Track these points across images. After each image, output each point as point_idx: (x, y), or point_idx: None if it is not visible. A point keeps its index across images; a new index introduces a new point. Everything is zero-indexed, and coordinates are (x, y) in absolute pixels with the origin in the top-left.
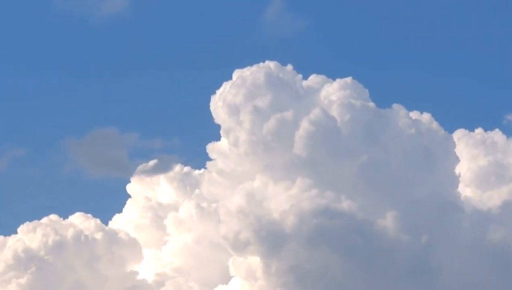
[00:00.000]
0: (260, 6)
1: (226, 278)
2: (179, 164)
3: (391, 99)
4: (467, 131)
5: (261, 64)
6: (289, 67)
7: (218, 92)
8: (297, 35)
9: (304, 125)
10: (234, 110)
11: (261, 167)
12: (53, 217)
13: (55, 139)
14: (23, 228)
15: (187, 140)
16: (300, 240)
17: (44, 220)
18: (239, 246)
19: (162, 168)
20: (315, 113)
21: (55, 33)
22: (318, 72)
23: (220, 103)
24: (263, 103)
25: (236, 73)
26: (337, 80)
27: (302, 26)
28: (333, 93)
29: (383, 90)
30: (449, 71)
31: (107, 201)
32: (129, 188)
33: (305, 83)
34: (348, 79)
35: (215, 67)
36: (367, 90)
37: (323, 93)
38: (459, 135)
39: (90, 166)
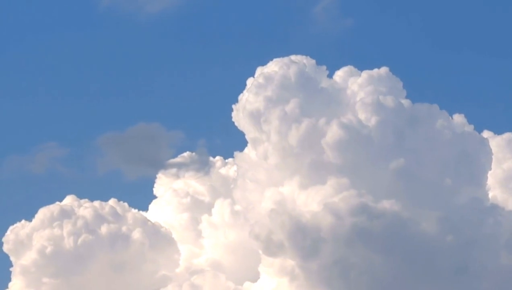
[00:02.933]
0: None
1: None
2: (217, 164)
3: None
4: (494, 134)
5: (290, 57)
6: (323, 67)
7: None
8: (342, 33)
9: (335, 130)
10: (257, 117)
11: (292, 171)
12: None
13: (95, 134)
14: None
15: (231, 141)
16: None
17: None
18: (273, 249)
19: (200, 166)
20: (346, 116)
21: (102, 30)
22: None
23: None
24: (290, 107)
25: (259, 70)
26: (370, 71)
27: (348, 24)
28: (366, 90)
29: (419, 89)
30: (484, 73)
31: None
32: (162, 184)
33: (334, 79)
34: (383, 70)
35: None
36: (404, 90)
37: (355, 89)
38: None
39: (128, 164)
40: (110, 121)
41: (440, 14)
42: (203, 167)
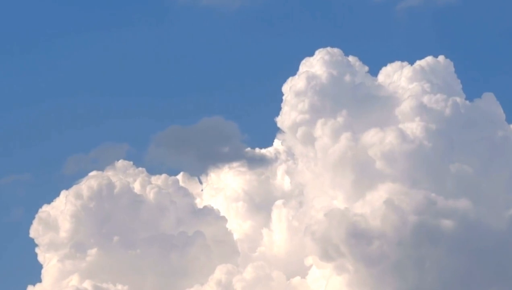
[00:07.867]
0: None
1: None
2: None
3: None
4: None
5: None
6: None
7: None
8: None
9: (390, 138)
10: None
11: (344, 182)
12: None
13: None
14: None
15: None
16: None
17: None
18: (329, 250)
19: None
20: (398, 124)
21: (180, 26)
22: None
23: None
24: (338, 119)
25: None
26: (420, 62)
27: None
28: (419, 93)
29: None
30: None
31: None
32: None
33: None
34: (441, 58)
35: None
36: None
37: (406, 90)
38: None
39: (191, 160)
40: (180, 116)
41: None
42: (266, 167)
